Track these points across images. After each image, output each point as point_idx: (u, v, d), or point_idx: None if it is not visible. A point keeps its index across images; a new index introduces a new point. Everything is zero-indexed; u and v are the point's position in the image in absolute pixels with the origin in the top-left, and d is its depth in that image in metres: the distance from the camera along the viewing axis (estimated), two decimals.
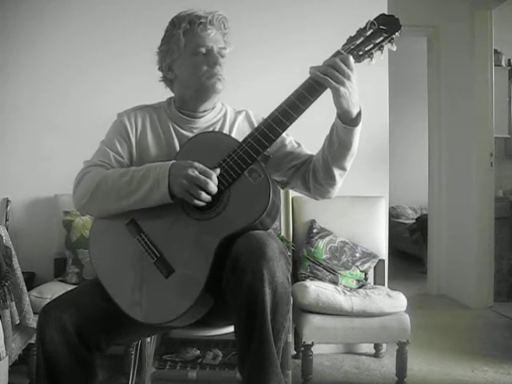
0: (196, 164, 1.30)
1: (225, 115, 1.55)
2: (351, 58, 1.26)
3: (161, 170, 1.33)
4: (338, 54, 1.28)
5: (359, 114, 1.31)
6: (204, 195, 1.28)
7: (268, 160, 1.43)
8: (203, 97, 1.49)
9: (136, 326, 1.35)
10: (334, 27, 2.82)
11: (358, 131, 1.33)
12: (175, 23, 1.48)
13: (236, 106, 1.60)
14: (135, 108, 1.55)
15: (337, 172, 1.39)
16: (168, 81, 1.55)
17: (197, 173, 1.28)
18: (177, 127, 1.51)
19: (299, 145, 1.54)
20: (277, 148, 1.49)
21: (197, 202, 1.29)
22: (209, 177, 1.28)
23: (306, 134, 1.68)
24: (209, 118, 1.53)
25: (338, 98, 1.26)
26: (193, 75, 1.46)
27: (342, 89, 1.24)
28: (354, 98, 1.27)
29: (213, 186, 1.28)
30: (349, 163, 1.39)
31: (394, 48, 1.29)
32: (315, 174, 1.43)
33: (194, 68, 1.46)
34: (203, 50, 1.45)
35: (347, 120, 1.31)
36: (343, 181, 1.44)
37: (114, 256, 1.40)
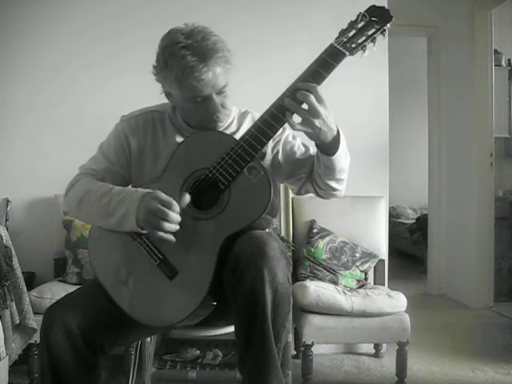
0: (157, 194, 1.26)
1: (232, 122, 1.51)
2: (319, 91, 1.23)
3: (133, 201, 1.30)
4: (331, 47, 1.28)
5: (338, 137, 1.30)
6: (167, 225, 1.24)
7: (265, 156, 1.42)
8: (206, 126, 1.44)
9: (139, 326, 1.35)
10: (333, 26, 2.82)
11: (339, 155, 1.32)
12: (167, 61, 1.32)
13: (240, 106, 1.57)
14: (139, 113, 1.51)
15: (332, 183, 1.40)
16: (169, 100, 1.47)
17: (157, 204, 1.24)
18: (181, 137, 1.46)
19: (307, 149, 1.51)
20: (287, 156, 1.48)
21: (160, 234, 1.25)
22: (170, 207, 1.24)
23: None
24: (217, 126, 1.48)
25: (308, 136, 1.28)
26: (192, 116, 1.43)
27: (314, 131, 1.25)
28: (324, 132, 1.26)
29: (174, 216, 1.24)
30: (342, 175, 1.39)
31: (386, 39, 1.30)
32: (316, 182, 1.43)
33: (192, 112, 1.41)
34: (199, 99, 1.35)
35: (323, 148, 1.31)
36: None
37: (115, 260, 1.39)
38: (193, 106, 1.38)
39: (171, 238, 1.26)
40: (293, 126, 1.25)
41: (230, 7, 2.97)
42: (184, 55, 1.29)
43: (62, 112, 3.00)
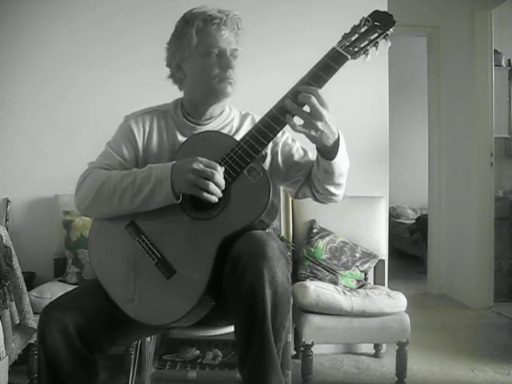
0: (200, 158, 1.29)
1: (232, 121, 1.53)
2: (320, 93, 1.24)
3: (163, 169, 1.33)
4: (333, 51, 1.28)
5: (338, 142, 1.31)
6: (213, 186, 1.26)
7: (265, 159, 1.43)
8: (212, 99, 1.47)
9: (137, 326, 1.35)
10: (334, 26, 2.82)
11: (339, 160, 1.33)
12: (188, 21, 1.43)
13: (240, 105, 1.58)
14: (143, 112, 1.53)
15: (331, 187, 1.40)
16: (177, 79, 1.51)
17: (202, 166, 1.27)
18: (181, 135, 1.48)
19: (306, 152, 1.52)
20: (285, 157, 1.49)
21: (207, 195, 1.27)
22: (214, 168, 1.27)
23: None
24: (215, 124, 1.51)
25: (310, 139, 1.28)
26: (203, 77, 1.43)
27: (316, 134, 1.26)
28: (326, 135, 1.27)
29: (219, 178, 1.27)
30: (341, 180, 1.40)
31: (389, 44, 1.30)
32: (315, 186, 1.43)
33: (205, 70, 1.42)
34: (216, 50, 1.41)
35: (324, 152, 1.32)
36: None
37: (114, 258, 1.39)
38: (207, 62, 1.41)
39: (215, 199, 1.28)
40: (294, 128, 1.26)
41: (230, 7, 2.97)
42: (206, 11, 1.42)
43: (61, 112, 3.00)
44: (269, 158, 1.49)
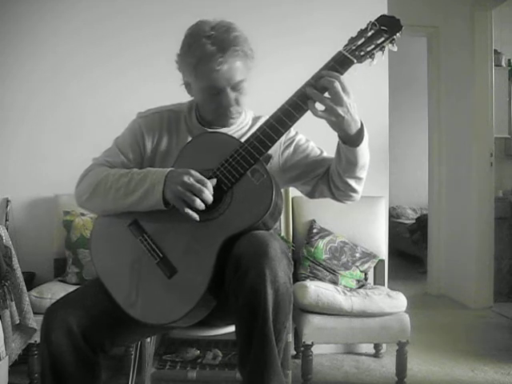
0: (193, 172, 1.29)
1: (246, 125, 1.52)
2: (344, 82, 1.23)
3: (158, 175, 1.32)
4: (339, 54, 1.27)
5: (361, 130, 1.30)
6: (198, 202, 1.26)
7: (270, 160, 1.42)
8: (220, 122, 1.46)
9: (138, 325, 1.35)
10: (335, 26, 2.82)
11: (363, 148, 1.32)
12: (189, 47, 1.36)
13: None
14: (156, 111, 1.52)
15: (352, 181, 1.39)
16: (187, 90, 1.48)
17: (192, 180, 1.27)
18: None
19: (321, 151, 1.51)
20: (298, 157, 1.48)
21: (188, 211, 1.27)
22: (204, 185, 1.27)
23: (313, 136, 1.67)
24: (229, 129, 1.49)
25: (332, 125, 1.27)
26: (206, 106, 1.43)
27: (337, 119, 1.24)
28: (348, 122, 1.26)
29: (207, 195, 1.26)
30: (362, 173, 1.39)
31: (395, 48, 1.30)
32: (334, 183, 1.42)
33: (206, 103, 1.42)
34: (214, 91, 1.37)
35: (347, 140, 1.31)
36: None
37: (116, 257, 1.40)
38: (208, 98, 1.39)
39: (196, 216, 1.28)
40: (315, 113, 1.25)
41: (231, 7, 2.97)
42: (204, 43, 1.33)
43: (61, 112, 3.00)
44: (281, 159, 1.48)
